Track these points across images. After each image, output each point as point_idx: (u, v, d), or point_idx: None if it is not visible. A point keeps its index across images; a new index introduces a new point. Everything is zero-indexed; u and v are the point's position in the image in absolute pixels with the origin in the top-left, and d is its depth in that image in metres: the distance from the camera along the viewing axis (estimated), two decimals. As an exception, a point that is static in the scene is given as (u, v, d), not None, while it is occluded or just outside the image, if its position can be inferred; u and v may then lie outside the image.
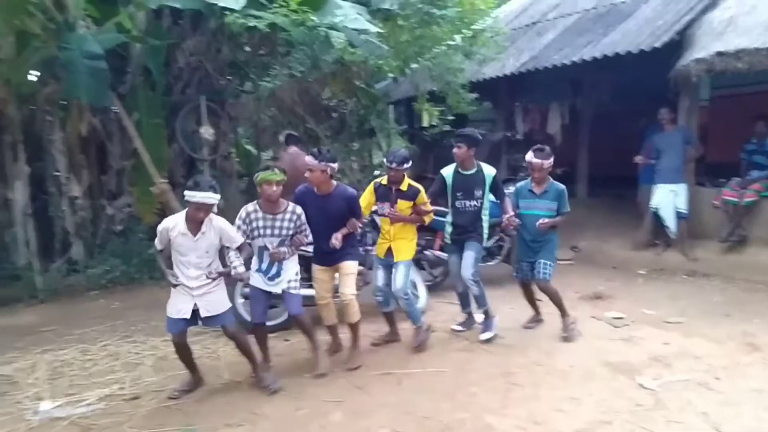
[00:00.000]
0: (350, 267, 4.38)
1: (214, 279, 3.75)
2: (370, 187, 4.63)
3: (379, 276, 4.65)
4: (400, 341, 4.83)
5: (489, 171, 4.78)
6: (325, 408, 3.74)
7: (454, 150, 4.69)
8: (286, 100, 7.65)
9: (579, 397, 3.73)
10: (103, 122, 7.33)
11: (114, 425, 3.55)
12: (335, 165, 4.21)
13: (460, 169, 4.76)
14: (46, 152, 6.99)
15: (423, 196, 4.54)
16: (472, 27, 8.05)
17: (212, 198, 3.64)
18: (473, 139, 4.71)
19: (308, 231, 4.18)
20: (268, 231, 4.01)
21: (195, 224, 3.69)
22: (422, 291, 5.68)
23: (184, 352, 3.91)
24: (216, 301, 3.81)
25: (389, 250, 4.57)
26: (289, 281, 4.10)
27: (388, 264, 4.60)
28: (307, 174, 4.18)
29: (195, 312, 3.77)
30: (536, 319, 5.18)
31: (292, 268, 4.14)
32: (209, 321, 3.85)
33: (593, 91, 9.11)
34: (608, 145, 9.25)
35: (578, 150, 9.41)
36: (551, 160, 4.71)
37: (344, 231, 4.24)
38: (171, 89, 7.85)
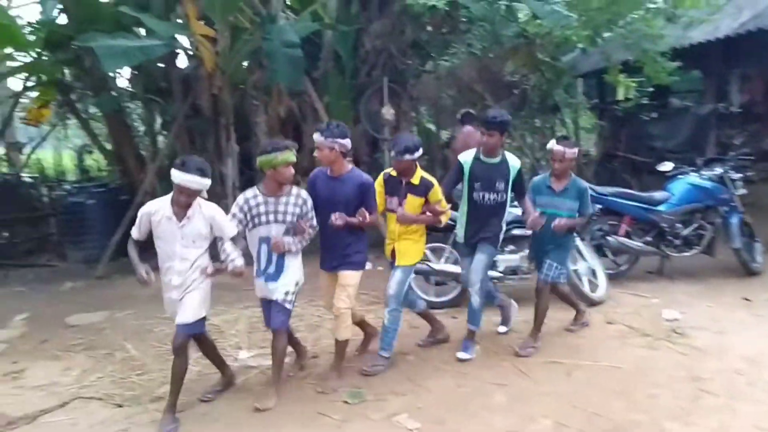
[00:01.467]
0: (348, 277, 3.79)
1: (211, 275, 3.37)
2: (380, 179, 4.00)
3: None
4: (448, 339, 4.41)
5: (514, 162, 4.07)
6: (488, 389, 3.72)
7: (485, 139, 3.97)
8: (465, 77, 7.58)
9: (789, 418, 3.18)
10: (299, 105, 8.03)
11: (295, 380, 3.94)
12: (345, 141, 3.67)
13: (481, 156, 4.04)
14: (251, 133, 7.90)
15: (437, 192, 3.90)
16: (678, -14, 7.10)
17: (196, 183, 3.20)
18: (507, 125, 4.03)
19: (314, 221, 3.70)
20: (271, 216, 3.53)
21: (181, 208, 3.29)
22: (602, 280, 5.29)
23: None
24: (189, 306, 3.34)
25: (394, 250, 4.02)
26: (287, 293, 3.58)
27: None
28: (315, 154, 3.75)
29: None
30: (581, 321, 4.62)
31: (294, 273, 3.61)
32: (179, 326, 3.38)
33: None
34: None
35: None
36: (575, 150, 4.09)
37: (351, 219, 3.67)
38: (358, 72, 8.29)
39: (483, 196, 4.04)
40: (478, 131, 6.34)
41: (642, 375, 3.79)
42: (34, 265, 7.72)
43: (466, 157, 4.10)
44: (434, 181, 3.95)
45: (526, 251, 5.19)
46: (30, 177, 9.50)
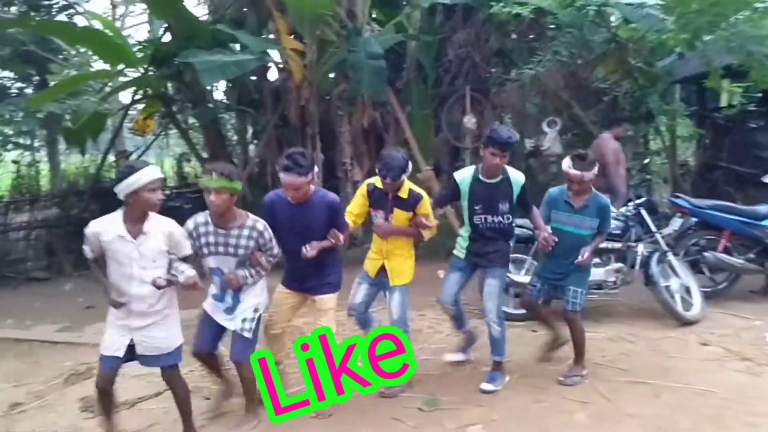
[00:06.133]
0: (327, 302, 3.56)
1: (160, 288, 2.95)
2: (363, 189, 3.76)
3: (360, 292, 3.86)
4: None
5: (517, 177, 3.72)
6: (568, 406, 3.60)
7: (498, 160, 3.57)
8: (551, 85, 7.40)
9: None
10: (381, 115, 8.17)
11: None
12: (315, 169, 3.36)
13: (481, 176, 3.70)
14: (336, 142, 8.14)
15: (425, 205, 3.68)
16: (792, -19, 6.54)
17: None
18: (513, 144, 3.65)
19: (276, 250, 3.38)
20: (221, 249, 3.24)
21: (135, 225, 2.93)
22: (697, 298, 4.97)
23: (106, 397, 3.14)
24: (159, 337, 3.04)
25: (382, 269, 3.79)
26: (244, 320, 3.30)
27: (377, 283, 3.85)
28: (290, 194, 3.36)
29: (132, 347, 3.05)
30: (558, 344, 4.19)
31: (252, 299, 3.35)
32: (146, 360, 3.10)
33: None
34: None
35: None
36: (594, 170, 3.67)
37: (323, 243, 3.42)
38: (440, 81, 8.32)
39: (485, 219, 3.75)
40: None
41: (739, 402, 3.51)
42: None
43: (463, 175, 3.79)
44: (423, 193, 3.74)
45: (614, 264, 4.99)
46: (135, 183, 10.31)
